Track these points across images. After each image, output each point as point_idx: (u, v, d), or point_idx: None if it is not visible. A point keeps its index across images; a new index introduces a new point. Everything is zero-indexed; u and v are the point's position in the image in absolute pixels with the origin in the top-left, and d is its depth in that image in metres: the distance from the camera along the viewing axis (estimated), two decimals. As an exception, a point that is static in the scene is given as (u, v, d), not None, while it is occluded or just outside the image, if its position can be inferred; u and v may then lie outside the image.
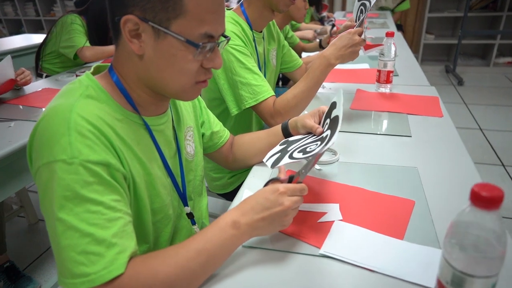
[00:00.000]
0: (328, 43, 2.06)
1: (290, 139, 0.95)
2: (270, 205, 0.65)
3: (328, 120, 0.86)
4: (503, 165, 2.52)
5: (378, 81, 1.51)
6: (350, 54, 1.14)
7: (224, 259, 0.65)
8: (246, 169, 1.04)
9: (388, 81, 1.49)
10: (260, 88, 1.16)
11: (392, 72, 1.48)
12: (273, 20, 1.46)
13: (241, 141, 1.03)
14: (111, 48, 2.16)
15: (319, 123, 0.90)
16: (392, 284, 0.61)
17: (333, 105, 0.86)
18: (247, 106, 1.16)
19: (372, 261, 0.65)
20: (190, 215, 0.85)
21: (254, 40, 1.28)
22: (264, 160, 0.89)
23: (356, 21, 1.26)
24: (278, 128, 0.99)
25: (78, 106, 0.60)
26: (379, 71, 1.49)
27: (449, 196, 0.83)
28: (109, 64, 0.74)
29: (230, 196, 1.43)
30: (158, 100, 0.74)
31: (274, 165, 0.84)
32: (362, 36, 1.16)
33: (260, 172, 0.99)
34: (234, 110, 1.20)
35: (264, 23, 1.31)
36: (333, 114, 0.84)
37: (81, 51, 2.07)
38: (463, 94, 3.78)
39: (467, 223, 0.45)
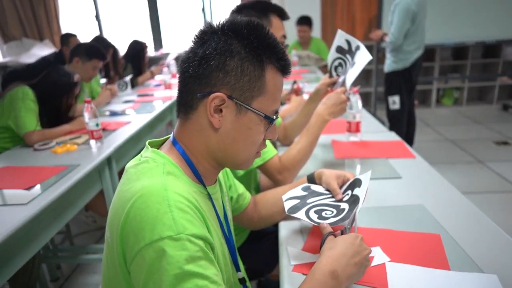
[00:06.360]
0: (287, 100, 2.24)
1: (312, 187, 1.02)
2: (359, 249, 0.70)
3: (349, 192, 0.96)
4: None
5: (349, 131, 1.68)
6: (340, 111, 1.28)
7: None
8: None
9: (357, 130, 1.67)
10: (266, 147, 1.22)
11: (360, 122, 1.67)
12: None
13: (265, 199, 1.07)
14: (60, 130, 1.98)
15: (341, 187, 1.00)
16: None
17: (357, 182, 0.95)
18: (255, 166, 1.21)
19: (440, 294, 0.72)
20: (242, 280, 0.85)
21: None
22: (283, 198, 0.96)
23: (332, 74, 1.43)
24: (304, 180, 1.05)
25: (169, 184, 0.61)
26: (349, 122, 1.67)
27: (462, 224, 0.97)
28: (165, 138, 0.75)
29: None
30: (218, 170, 0.76)
31: (290, 212, 0.92)
32: (346, 94, 1.32)
33: (289, 227, 1.02)
34: (240, 171, 1.24)
35: None
36: (356, 192, 0.93)
37: (30, 135, 1.86)
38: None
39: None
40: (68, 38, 3.45)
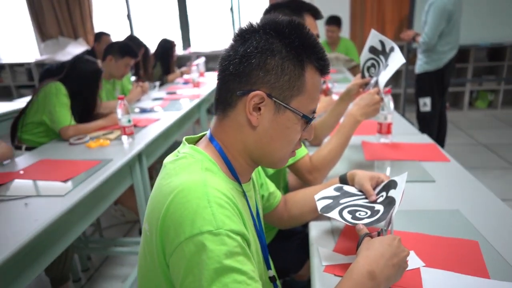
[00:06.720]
0: (316, 100, 2.21)
1: (345, 187, 1.01)
2: (397, 251, 0.68)
3: (384, 194, 0.94)
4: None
5: (380, 132, 1.64)
6: (373, 111, 1.26)
7: None
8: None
9: (389, 132, 1.63)
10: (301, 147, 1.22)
11: (391, 123, 1.63)
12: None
13: (296, 198, 1.06)
14: (94, 125, 2.04)
15: (374, 188, 0.98)
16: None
17: (392, 183, 0.93)
18: (285, 165, 1.21)
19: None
20: (273, 279, 0.85)
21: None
22: (316, 198, 0.96)
23: (364, 75, 1.40)
24: (335, 181, 1.04)
25: (208, 180, 0.62)
26: (380, 123, 1.63)
27: (501, 231, 0.93)
28: (202, 135, 0.77)
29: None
30: (253, 168, 0.77)
31: (323, 211, 0.91)
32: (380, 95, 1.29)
33: (319, 227, 1.02)
34: (271, 170, 1.24)
35: None
36: (391, 194, 0.91)
37: (65, 130, 1.93)
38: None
39: None
40: (101, 36, 3.57)
